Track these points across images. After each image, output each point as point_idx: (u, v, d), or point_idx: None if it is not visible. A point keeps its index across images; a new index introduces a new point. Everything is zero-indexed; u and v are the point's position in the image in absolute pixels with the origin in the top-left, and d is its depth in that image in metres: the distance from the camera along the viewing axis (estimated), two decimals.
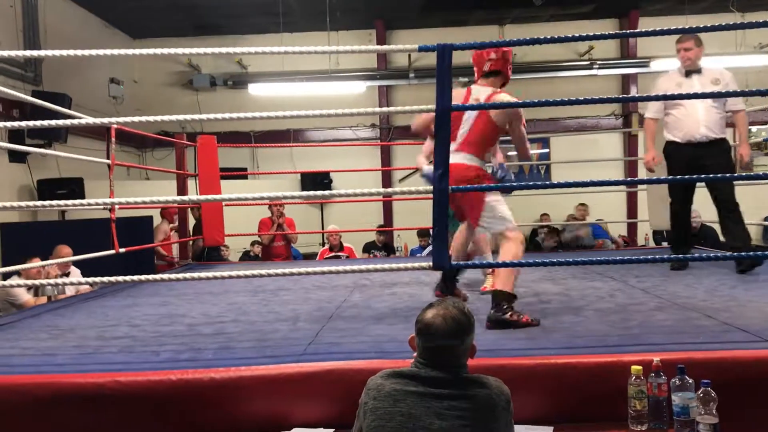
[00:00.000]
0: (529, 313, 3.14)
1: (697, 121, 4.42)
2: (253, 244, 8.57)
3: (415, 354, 1.95)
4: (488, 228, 3.47)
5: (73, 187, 7.77)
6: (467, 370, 1.92)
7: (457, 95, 3.39)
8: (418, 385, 1.84)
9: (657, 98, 3.40)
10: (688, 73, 4.59)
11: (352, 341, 2.85)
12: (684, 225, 4.77)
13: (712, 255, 4.46)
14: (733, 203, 4.44)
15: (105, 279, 3.07)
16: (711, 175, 4.13)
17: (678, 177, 4.52)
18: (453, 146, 3.30)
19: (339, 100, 10.73)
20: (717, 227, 7.83)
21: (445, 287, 3.70)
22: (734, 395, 2.22)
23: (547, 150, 11.28)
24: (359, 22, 10.92)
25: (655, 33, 2.90)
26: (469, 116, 3.39)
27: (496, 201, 3.37)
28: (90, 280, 3.40)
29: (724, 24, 3.06)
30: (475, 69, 3.57)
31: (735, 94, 3.97)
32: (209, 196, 3.47)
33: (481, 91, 3.43)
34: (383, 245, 9.06)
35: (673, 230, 4.83)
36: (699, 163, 4.34)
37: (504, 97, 3.35)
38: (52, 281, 3.88)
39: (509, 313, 3.08)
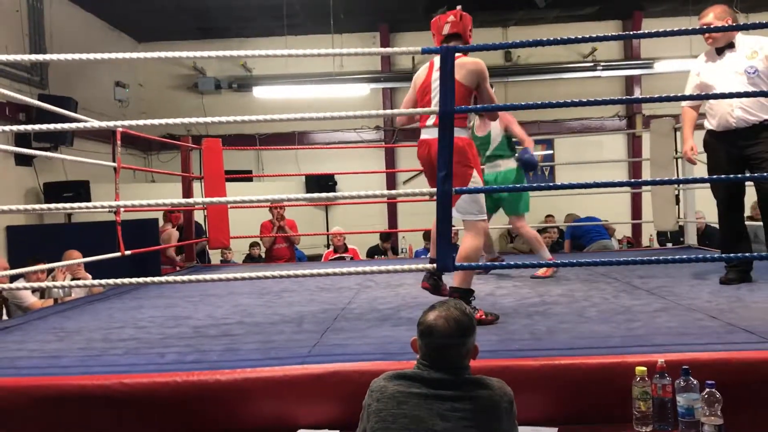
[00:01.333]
0: (484, 308, 3.22)
1: (730, 104, 3.75)
2: (252, 246, 8.59)
3: (418, 356, 1.96)
4: (462, 212, 3.38)
5: (80, 190, 7.81)
6: (470, 372, 1.92)
7: (422, 71, 3.51)
8: (421, 387, 1.84)
9: (660, 99, 3.30)
10: (719, 51, 3.85)
11: (357, 343, 2.85)
12: (733, 229, 4.10)
13: (716, 256, 4.44)
14: None
15: (110, 281, 3.08)
16: (714, 177, 3.97)
17: (682, 178, 4.46)
18: (431, 121, 3.37)
19: (343, 102, 10.76)
20: None
21: (432, 280, 3.54)
22: (739, 396, 2.22)
23: (551, 151, 11.28)
24: (363, 25, 10.95)
25: (658, 34, 2.90)
26: (438, 84, 3.16)
27: (474, 185, 3.33)
28: (95, 282, 3.41)
29: (727, 25, 3.07)
30: (434, 37, 3.49)
31: None
32: (214, 199, 3.48)
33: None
34: (385, 251, 9.02)
35: (721, 235, 4.27)
36: (742, 153, 3.81)
37: (467, 60, 3.31)
38: (59, 283, 3.88)
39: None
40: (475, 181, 3.32)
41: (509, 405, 1.87)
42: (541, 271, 4.69)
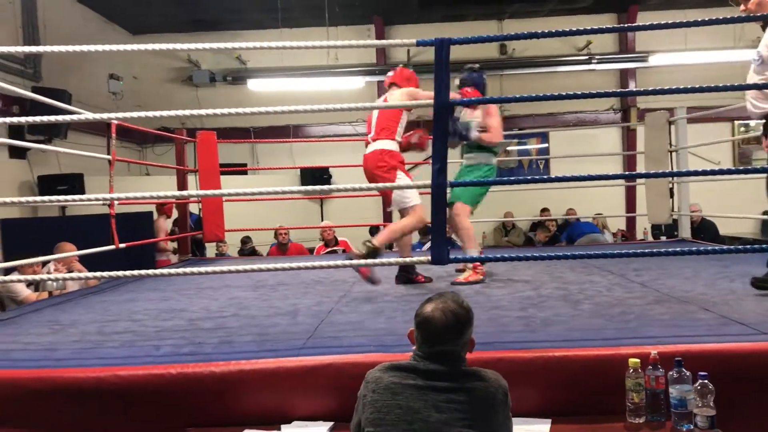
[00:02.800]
0: (372, 272, 3.82)
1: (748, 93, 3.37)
2: (244, 240, 8.59)
3: (413, 347, 1.96)
4: (397, 205, 4.17)
5: (74, 183, 7.80)
6: (466, 364, 1.93)
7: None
8: (416, 378, 1.85)
9: (654, 92, 3.28)
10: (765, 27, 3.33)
11: (351, 335, 2.86)
12: None
13: (710, 249, 4.45)
14: None
15: (105, 273, 3.08)
16: (709, 170, 4.00)
17: (676, 171, 4.41)
18: (371, 136, 4.29)
19: (338, 95, 10.74)
20: (717, 221, 7.91)
21: (403, 277, 4.30)
22: (731, 387, 2.24)
23: (546, 145, 11.30)
24: (358, 18, 10.93)
25: (653, 27, 2.90)
26: (371, 116, 4.31)
27: (401, 180, 4.07)
28: (90, 274, 3.41)
29: (722, 18, 3.07)
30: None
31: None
32: (209, 192, 3.48)
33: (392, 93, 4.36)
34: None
35: None
36: None
37: (404, 90, 4.27)
38: (53, 276, 3.88)
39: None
40: (401, 178, 4.10)
41: (504, 397, 1.88)
42: (462, 277, 4.33)
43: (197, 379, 2.37)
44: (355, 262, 3.69)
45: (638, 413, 2.24)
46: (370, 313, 3.35)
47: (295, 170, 10.75)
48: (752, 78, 3.24)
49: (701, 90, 2.98)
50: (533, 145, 11.47)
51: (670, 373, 2.21)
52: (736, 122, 10.94)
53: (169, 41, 3.34)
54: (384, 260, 3.40)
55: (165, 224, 7.43)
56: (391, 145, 4.20)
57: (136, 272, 3.00)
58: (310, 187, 3.28)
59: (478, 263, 4.27)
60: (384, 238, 4.08)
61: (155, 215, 7.39)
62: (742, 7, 3.31)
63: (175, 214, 7.27)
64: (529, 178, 8.03)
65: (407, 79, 4.43)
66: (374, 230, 9.05)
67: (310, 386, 2.39)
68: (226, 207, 6.69)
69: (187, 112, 3.12)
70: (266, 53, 11.03)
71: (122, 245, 4.62)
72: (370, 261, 3.62)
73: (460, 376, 1.87)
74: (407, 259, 3.41)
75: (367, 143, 4.36)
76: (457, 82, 4.62)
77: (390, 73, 4.52)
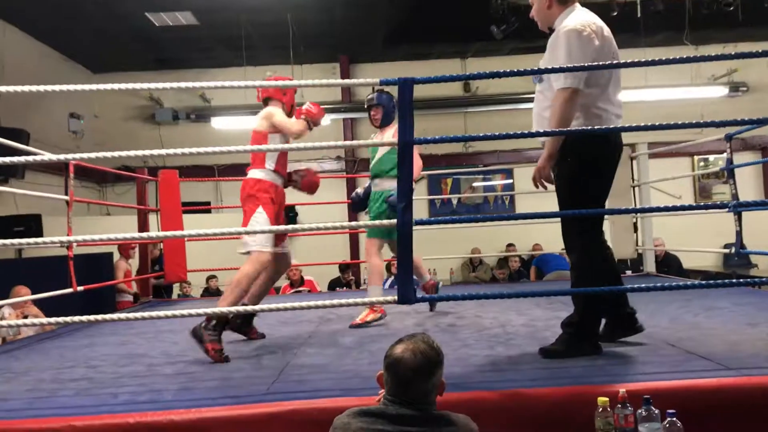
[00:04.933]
0: (222, 349, 3.30)
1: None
2: (209, 279, 8.45)
3: (381, 391, 1.92)
4: (242, 245, 3.69)
5: (31, 224, 7.61)
6: (436, 407, 1.89)
7: None
8: (386, 423, 1.79)
9: (617, 129, 3.24)
10: None
11: (317, 378, 2.80)
12: None
13: (674, 284, 4.50)
14: None
15: (61, 319, 2.96)
16: (647, 206, 4.07)
17: (639, 207, 4.40)
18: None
19: None
20: (680, 255, 8.02)
21: (235, 326, 3.80)
22: (700, 424, 2.23)
23: (511, 180, 11.40)
24: (323, 56, 11.01)
25: (611, 66, 2.94)
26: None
27: (255, 221, 3.65)
28: (45, 320, 3.29)
29: (678, 57, 3.14)
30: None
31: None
32: (169, 233, 3.41)
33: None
34: (347, 283, 8.96)
35: None
36: None
37: (262, 112, 3.87)
38: (5, 322, 3.74)
39: (209, 333, 3.28)
40: (259, 215, 3.66)
41: None
42: (360, 317, 4.23)
43: (156, 428, 2.28)
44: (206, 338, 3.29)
45: None
46: (336, 355, 3.29)
47: None
48: (538, 99, 3.25)
49: (664, 127, 3.03)
50: (498, 181, 11.57)
51: (639, 411, 2.19)
52: (696, 157, 11.20)
53: (131, 80, 3.30)
54: (350, 300, 3.34)
55: (125, 265, 7.28)
56: (257, 174, 3.80)
57: (92, 317, 2.90)
58: (275, 227, 3.20)
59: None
60: (229, 299, 3.48)
61: (116, 256, 7.24)
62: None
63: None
64: (495, 215, 8.10)
65: (282, 91, 3.98)
66: (344, 267, 9.00)
67: None
68: (189, 246, 6.59)
69: (146, 152, 3.06)
70: (230, 91, 11.01)
71: (80, 288, 4.49)
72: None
73: (430, 421, 1.82)
74: (373, 299, 3.35)
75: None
76: (365, 104, 4.78)
77: (259, 90, 4.05)
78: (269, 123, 3.79)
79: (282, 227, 3.59)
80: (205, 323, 3.31)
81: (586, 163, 3.01)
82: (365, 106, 4.74)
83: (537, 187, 3.10)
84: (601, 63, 2.88)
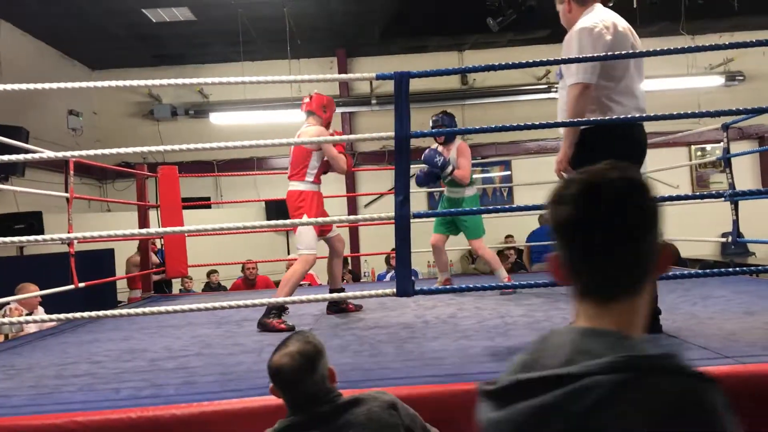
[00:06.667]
0: (288, 320, 3.99)
1: None
2: (210, 273, 8.48)
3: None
4: (296, 245, 4.38)
5: (32, 222, 7.62)
6: (338, 395, 1.87)
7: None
8: (309, 430, 1.78)
9: (614, 120, 3.27)
10: None
11: None
12: None
13: (671, 274, 4.52)
14: None
15: (62, 316, 2.99)
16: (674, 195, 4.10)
17: None
18: (288, 174, 4.47)
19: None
20: (679, 244, 8.04)
21: (334, 307, 4.57)
22: None
23: (509, 172, 11.41)
24: (321, 50, 11.00)
25: (606, 57, 2.95)
26: (291, 150, 4.53)
27: (300, 229, 4.26)
28: (47, 316, 3.31)
29: (674, 47, 3.15)
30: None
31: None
32: (169, 229, 3.43)
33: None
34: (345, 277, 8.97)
35: None
36: None
37: (308, 129, 4.46)
38: (7, 320, 3.76)
39: (271, 319, 3.92)
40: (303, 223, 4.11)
41: (392, 408, 1.84)
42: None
43: (158, 422, 2.30)
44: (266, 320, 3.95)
45: None
46: (336, 348, 3.31)
47: (260, 203, 10.68)
48: (560, 94, 3.30)
49: (661, 117, 3.04)
50: (496, 173, 11.59)
51: None
52: (693, 147, 11.21)
53: (129, 76, 3.32)
54: (350, 293, 3.38)
55: (156, 259, 7.37)
56: (299, 186, 4.39)
57: (94, 313, 2.92)
58: (273, 222, 3.24)
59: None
60: (283, 293, 4.15)
61: (119, 252, 7.27)
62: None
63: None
64: (491, 207, 8.11)
65: (323, 106, 4.57)
66: (343, 260, 9.01)
67: None
68: (190, 242, 6.61)
69: (145, 148, 3.08)
70: (229, 86, 11.02)
71: (82, 284, 4.52)
72: (335, 296, 3.64)
73: (342, 409, 1.81)
74: (372, 292, 3.37)
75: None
76: (431, 123, 5.31)
77: (306, 99, 4.63)
78: (325, 149, 4.42)
79: (280, 221, 3.61)
80: (265, 313, 3.97)
81: (601, 156, 3.01)
82: (431, 127, 5.28)
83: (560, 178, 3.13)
84: (597, 55, 2.90)
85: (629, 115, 3.04)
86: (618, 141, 3.02)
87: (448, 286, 4.14)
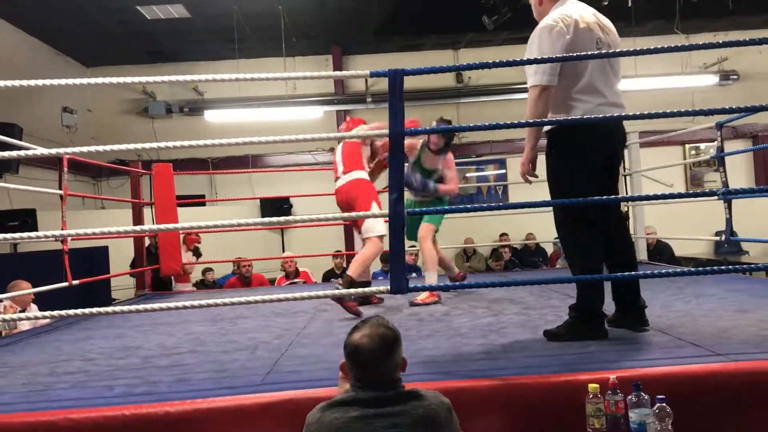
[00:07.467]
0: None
1: None
2: (205, 271, 8.47)
3: (340, 382, 1.97)
4: (364, 233, 4.54)
5: (26, 219, 7.61)
6: (402, 385, 1.92)
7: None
8: (358, 409, 1.82)
9: (608, 119, 3.29)
10: None
11: (312, 368, 2.82)
12: None
13: (663, 272, 4.53)
14: None
15: (56, 312, 2.98)
16: (638, 195, 4.12)
17: (629, 196, 4.45)
18: (341, 169, 4.69)
19: (297, 125, 10.74)
20: (672, 243, 8.07)
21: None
22: (689, 409, 2.25)
23: (504, 171, 11.43)
24: (316, 48, 11.00)
25: (600, 56, 2.96)
26: (340, 149, 4.84)
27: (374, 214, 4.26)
28: (40, 313, 3.30)
29: (669, 46, 3.15)
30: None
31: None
32: (163, 226, 3.43)
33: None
34: (342, 271, 8.98)
35: None
36: None
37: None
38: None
39: (352, 302, 4.11)
40: (374, 208, 4.40)
41: (448, 413, 1.88)
42: (421, 297, 4.55)
43: (152, 420, 2.30)
44: (337, 292, 3.77)
45: None
46: (332, 345, 3.31)
47: (254, 200, 10.67)
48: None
49: (655, 116, 3.05)
50: (491, 171, 11.60)
51: (629, 397, 2.22)
52: (687, 146, 11.24)
53: (124, 73, 3.31)
54: (344, 291, 3.38)
55: (189, 256, 7.52)
56: (362, 174, 4.66)
57: (87, 310, 2.92)
58: (267, 219, 3.23)
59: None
60: (356, 270, 4.30)
61: (114, 249, 7.26)
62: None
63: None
64: (486, 205, 8.11)
65: (358, 124, 5.02)
66: (338, 258, 9.01)
67: (270, 424, 2.33)
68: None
69: (139, 145, 3.07)
70: (223, 84, 11.01)
71: (76, 282, 4.51)
72: (345, 291, 3.67)
73: (401, 398, 1.86)
74: (367, 290, 3.38)
75: (336, 177, 4.75)
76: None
77: (342, 126, 5.21)
78: (378, 145, 4.86)
79: (275, 218, 3.59)
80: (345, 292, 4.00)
81: (567, 155, 3.04)
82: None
83: (526, 181, 3.15)
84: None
85: (599, 114, 3.01)
86: (583, 138, 3.03)
87: (441, 284, 4.15)
